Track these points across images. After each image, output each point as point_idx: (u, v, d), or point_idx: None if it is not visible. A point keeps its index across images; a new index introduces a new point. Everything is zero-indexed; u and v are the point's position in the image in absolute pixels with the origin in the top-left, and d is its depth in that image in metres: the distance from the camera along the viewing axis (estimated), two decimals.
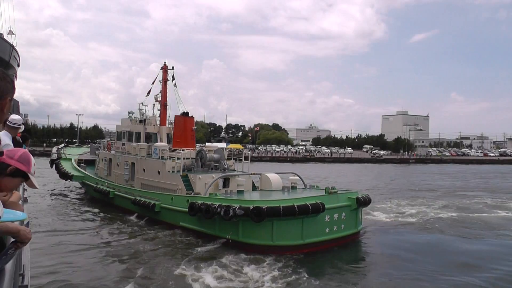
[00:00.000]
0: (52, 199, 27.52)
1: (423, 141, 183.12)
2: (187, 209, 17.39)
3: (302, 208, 15.11)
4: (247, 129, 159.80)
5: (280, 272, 13.19)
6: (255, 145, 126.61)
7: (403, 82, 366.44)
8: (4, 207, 2.23)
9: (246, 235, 15.71)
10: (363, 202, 17.86)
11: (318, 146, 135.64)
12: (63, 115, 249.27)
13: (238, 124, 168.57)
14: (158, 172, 21.92)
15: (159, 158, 22.27)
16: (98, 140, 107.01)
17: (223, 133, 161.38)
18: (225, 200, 16.46)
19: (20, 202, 3.27)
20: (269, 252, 14.99)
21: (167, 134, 25.96)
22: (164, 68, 26.24)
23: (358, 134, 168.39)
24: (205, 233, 16.98)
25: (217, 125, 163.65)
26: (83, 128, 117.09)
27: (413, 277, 13.55)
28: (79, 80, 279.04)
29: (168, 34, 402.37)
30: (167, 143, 24.87)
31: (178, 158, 21.12)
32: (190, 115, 24.42)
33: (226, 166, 22.16)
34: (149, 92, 26.73)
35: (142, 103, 26.60)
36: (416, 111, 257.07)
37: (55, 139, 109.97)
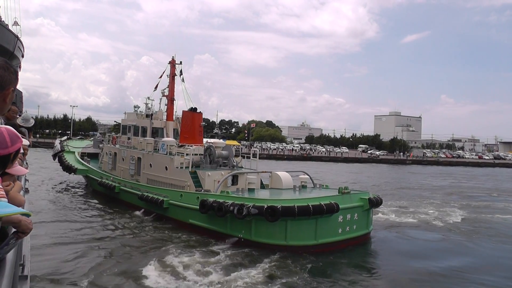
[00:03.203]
0: (55, 192, 27.16)
1: (415, 142, 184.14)
2: (197, 206, 17.19)
3: (316, 208, 15.00)
4: (240, 125, 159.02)
5: (293, 272, 13.07)
6: (250, 142, 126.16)
7: (394, 82, 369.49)
8: (6, 197, 2.25)
9: (259, 234, 15.57)
10: (375, 202, 17.83)
11: (313, 145, 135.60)
12: (53, 105, 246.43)
13: (231, 120, 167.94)
14: (166, 167, 21.67)
15: (166, 154, 22.02)
16: (92, 132, 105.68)
17: (216, 129, 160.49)
18: (238, 198, 16.28)
19: (22, 192, 3.27)
20: (282, 252, 14.88)
21: (174, 129, 25.72)
22: (172, 63, 25.93)
23: (353, 134, 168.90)
24: (216, 231, 16.78)
25: (210, 120, 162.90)
26: (76, 120, 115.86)
27: (424, 278, 13.53)
28: (69, 71, 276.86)
29: (159, 27, 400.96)
30: (174, 138, 24.61)
31: (187, 154, 20.88)
32: (198, 110, 24.19)
33: (235, 163, 21.99)
34: (156, 87, 26.49)
35: (148, 97, 26.38)
36: (406, 112, 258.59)
37: (48, 130, 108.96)
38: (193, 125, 23.32)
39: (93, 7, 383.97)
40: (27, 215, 2.18)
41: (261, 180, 21.59)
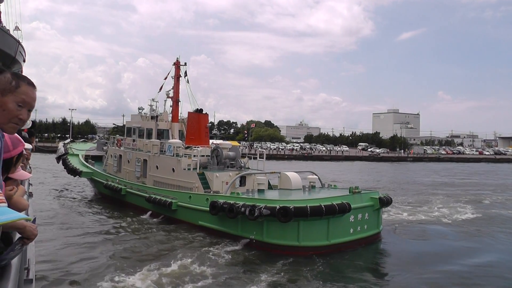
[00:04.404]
0: (59, 195, 27.04)
1: (414, 139, 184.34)
2: (206, 208, 17.09)
3: (329, 208, 14.88)
4: (239, 126, 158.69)
5: (303, 278, 12.85)
6: (250, 142, 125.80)
7: (391, 80, 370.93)
8: (9, 201, 2.23)
9: (271, 235, 15.44)
10: (385, 202, 17.75)
11: (313, 144, 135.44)
12: (50, 109, 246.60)
13: (230, 121, 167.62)
14: (173, 169, 21.55)
15: (173, 155, 21.90)
16: (91, 135, 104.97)
17: (215, 129, 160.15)
18: (249, 199, 16.16)
19: (25, 196, 3.29)
20: (294, 253, 14.80)
21: (179, 131, 25.61)
22: (177, 64, 25.86)
23: (353, 132, 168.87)
24: (227, 232, 16.66)
25: (209, 121, 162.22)
26: (75, 123, 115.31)
27: (436, 278, 13.39)
28: (66, 74, 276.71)
29: (155, 29, 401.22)
30: (179, 139, 24.48)
31: (194, 156, 20.76)
32: (204, 111, 24.08)
33: (242, 164, 21.89)
34: (161, 88, 26.38)
35: (153, 99, 26.31)
36: (404, 109, 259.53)
37: (46, 134, 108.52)
38: (199, 126, 23.19)
39: (88, 10, 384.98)
40: (27, 220, 2.14)
41: (268, 180, 21.49)
